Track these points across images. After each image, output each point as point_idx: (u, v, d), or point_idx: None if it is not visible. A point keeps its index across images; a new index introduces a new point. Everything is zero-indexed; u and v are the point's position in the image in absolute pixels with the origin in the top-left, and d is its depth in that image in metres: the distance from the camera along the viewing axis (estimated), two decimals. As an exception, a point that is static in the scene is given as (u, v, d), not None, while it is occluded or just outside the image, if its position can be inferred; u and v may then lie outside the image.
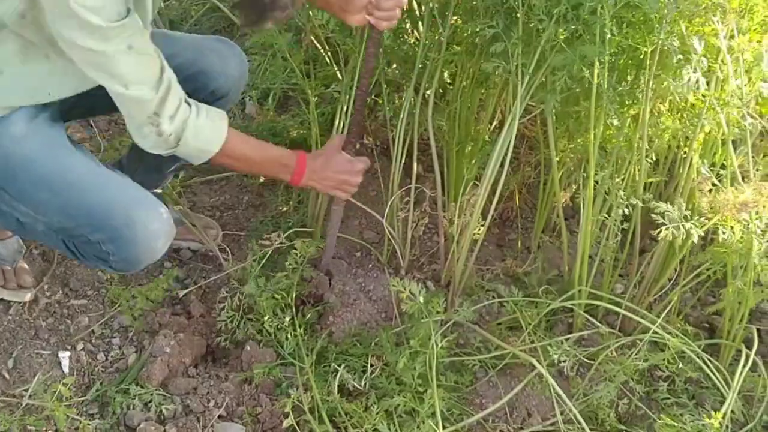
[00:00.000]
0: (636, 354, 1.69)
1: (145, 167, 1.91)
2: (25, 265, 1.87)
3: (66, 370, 1.73)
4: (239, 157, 1.66)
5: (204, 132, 1.54)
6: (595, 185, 1.76)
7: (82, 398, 1.69)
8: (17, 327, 1.76)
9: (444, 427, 1.56)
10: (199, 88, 1.73)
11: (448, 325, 1.81)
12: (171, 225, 1.57)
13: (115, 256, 1.51)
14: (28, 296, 1.83)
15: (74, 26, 1.26)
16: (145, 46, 1.38)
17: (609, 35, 1.54)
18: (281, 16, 1.39)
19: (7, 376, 1.67)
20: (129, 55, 1.33)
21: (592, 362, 1.74)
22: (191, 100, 1.54)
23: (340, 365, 1.74)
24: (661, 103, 1.80)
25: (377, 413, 1.60)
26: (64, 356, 1.75)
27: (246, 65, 1.91)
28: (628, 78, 1.78)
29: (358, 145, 1.84)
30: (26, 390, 1.64)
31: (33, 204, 1.50)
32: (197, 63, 1.76)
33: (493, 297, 2.01)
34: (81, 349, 1.79)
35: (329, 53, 2.20)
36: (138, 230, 1.48)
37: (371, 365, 1.78)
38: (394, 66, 2.22)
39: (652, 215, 1.62)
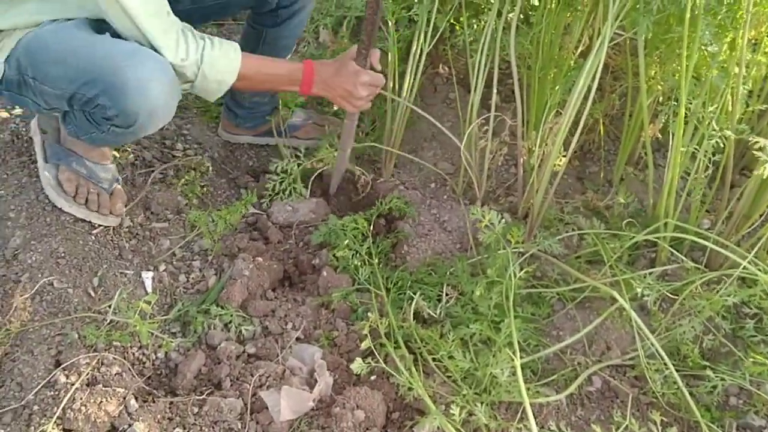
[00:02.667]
0: (725, 289, 1.63)
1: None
2: (122, 191, 1.91)
3: (149, 290, 1.77)
4: (253, 81, 1.73)
5: (220, 63, 1.62)
6: (686, 115, 1.68)
7: (165, 317, 1.73)
8: (102, 247, 1.81)
9: (520, 357, 1.54)
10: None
11: (525, 256, 1.78)
12: (165, 68, 1.53)
13: (112, 109, 1.52)
14: (116, 222, 1.87)
15: None
16: None
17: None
18: None
19: (92, 293, 1.72)
20: None
21: (675, 297, 1.68)
22: (204, 35, 1.61)
23: (415, 293, 1.74)
24: (760, 30, 1.69)
25: (453, 341, 1.59)
26: (147, 276, 1.79)
27: None
28: (726, 0, 1.67)
29: (370, 57, 1.78)
30: (110, 306, 1.69)
31: (51, 81, 1.57)
32: None
33: (573, 230, 1.96)
34: (163, 270, 1.83)
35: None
36: (126, 76, 1.48)
37: (446, 294, 1.77)
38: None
39: (749, 149, 1.53)
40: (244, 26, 2.14)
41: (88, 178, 1.85)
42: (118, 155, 2.04)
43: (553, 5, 1.91)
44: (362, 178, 2.12)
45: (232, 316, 1.71)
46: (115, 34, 1.54)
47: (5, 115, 2.11)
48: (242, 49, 1.67)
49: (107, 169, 1.89)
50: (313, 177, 2.11)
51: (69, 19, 1.60)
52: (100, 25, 1.57)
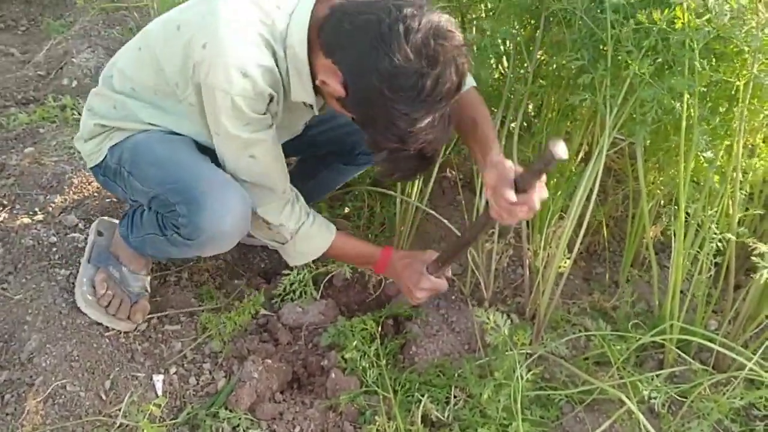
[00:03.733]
0: (731, 391, 1.63)
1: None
2: (146, 303, 1.96)
3: (159, 392, 1.79)
4: (334, 256, 1.95)
5: (313, 241, 1.83)
6: (686, 218, 1.72)
7: (174, 421, 1.74)
8: (115, 350, 1.84)
9: (530, 462, 1.54)
10: (345, 146, 2.05)
11: (533, 357, 1.79)
12: (245, 208, 1.64)
13: (185, 218, 1.61)
14: (129, 328, 1.92)
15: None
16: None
17: (699, 68, 1.52)
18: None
19: (104, 396, 1.74)
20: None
21: (684, 399, 1.69)
22: (310, 210, 1.82)
23: (423, 395, 1.75)
24: (755, 136, 1.75)
25: (461, 445, 1.59)
26: (158, 379, 1.81)
27: None
28: (720, 109, 1.74)
29: (445, 271, 1.86)
30: (120, 410, 1.71)
31: (144, 179, 1.70)
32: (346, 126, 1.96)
33: (580, 331, 1.97)
34: (174, 373, 1.85)
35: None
36: (210, 198, 1.59)
37: (455, 396, 1.78)
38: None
39: (751, 257, 1.57)
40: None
41: (119, 282, 1.92)
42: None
43: (553, 114, 1.99)
44: (372, 278, 2.16)
45: (240, 419, 1.71)
46: (216, 160, 1.69)
47: (27, 221, 2.18)
48: (297, 170, 1.78)
49: (140, 279, 1.96)
50: (324, 280, 2.15)
51: (178, 134, 1.74)
52: (206, 150, 1.71)
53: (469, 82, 1.72)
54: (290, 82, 1.57)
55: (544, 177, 1.42)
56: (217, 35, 1.47)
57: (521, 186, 1.42)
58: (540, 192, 1.44)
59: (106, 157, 1.79)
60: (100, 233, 2.02)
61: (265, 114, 1.56)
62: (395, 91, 1.37)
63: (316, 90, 1.57)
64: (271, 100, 1.55)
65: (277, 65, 1.53)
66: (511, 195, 1.42)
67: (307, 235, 1.80)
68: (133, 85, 1.72)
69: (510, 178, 1.44)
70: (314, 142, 2.06)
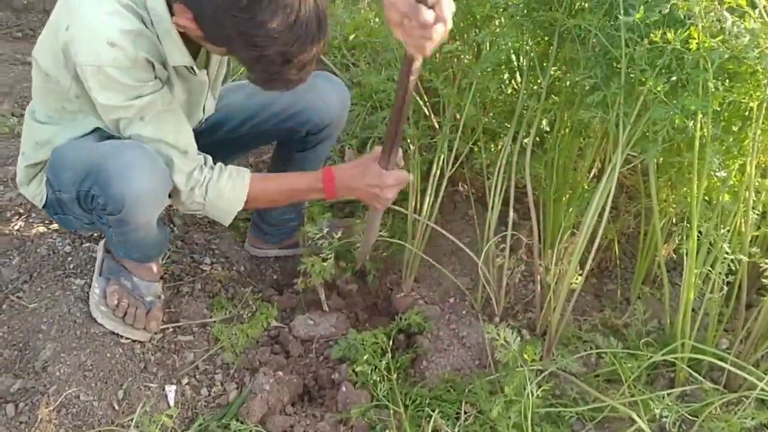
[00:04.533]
0: (742, 411, 1.62)
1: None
2: (160, 311, 1.98)
3: (171, 403, 1.80)
4: (268, 201, 1.91)
5: (227, 192, 1.79)
6: (698, 236, 1.72)
7: (185, 431, 1.75)
8: (128, 360, 1.85)
9: (540, 479, 1.54)
10: (300, 123, 2.02)
11: (544, 374, 1.79)
12: (149, 161, 1.64)
13: (102, 197, 1.63)
14: (145, 338, 1.94)
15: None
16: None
17: (713, 89, 1.52)
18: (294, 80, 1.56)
19: (116, 406, 1.76)
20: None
21: (695, 419, 1.68)
22: (215, 165, 1.79)
23: (433, 410, 1.75)
24: (768, 155, 1.76)
25: (471, 461, 1.60)
26: (170, 390, 1.83)
27: (347, 93, 2.10)
28: (734, 129, 1.74)
29: (395, 158, 1.81)
30: (132, 420, 1.72)
31: (65, 186, 1.72)
32: (297, 103, 1.99)
33: (591, 348, 1.97)
34: (186, 384, 1.87)
35: (428, 103, 2.26)
36: (109, 164, 1.61)
37: (465, 412, 1.78)
38: (491, 114, 2.24)
39: (762, 276, 1.57)
40: (273, 149, 2.26)
41: (131, 292, 1.95)
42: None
43: (566, 131, 2.00)
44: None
45: (251, 431, 1.72)
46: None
47: (43, 229, 2.21)
48: (270, 170, 1.79)
49: (152, 286, 1.99)
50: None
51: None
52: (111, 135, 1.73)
53: None
54: (165, 47, 1.59)
55: None
56: (77, 14, 1.49)
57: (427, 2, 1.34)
58: (447, 3, 1.35)
59: (46, 195, 1.82)
60: (107, 251, 2.03)
61: (154, 80, 1.58)
62: (228, 2, 1.40)
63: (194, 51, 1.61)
64: (153, 66, 1.57)
65: (148, 30, 1.54)
66: (428, 14, 1.32)
67: (219, 190, 1.78)
68: (46, 110, 1.76)
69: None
70: (254, 138, 2.11)
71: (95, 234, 2.20)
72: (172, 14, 1.52)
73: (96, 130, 1.74)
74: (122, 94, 1.56)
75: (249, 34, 1.43)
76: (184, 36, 1.58)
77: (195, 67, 1.68)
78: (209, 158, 1.80)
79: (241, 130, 2.07)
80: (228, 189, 1.79)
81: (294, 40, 1.45)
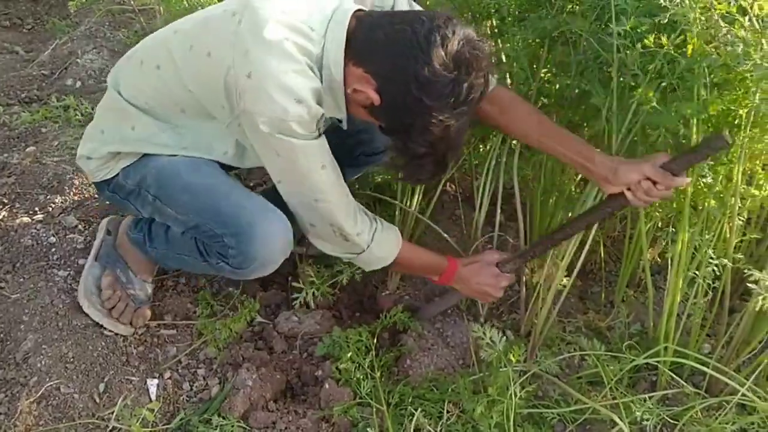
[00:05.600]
0: (723, 416, 1.64)
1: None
2: (148, 310, 1.97)
3: (153, 397, 1.79)
4: (404, 266, 1.92)
5: (386, 244, 1.82)
6: (683, 242, 1.73)
7: (167, 426, 1.74)
8: (110, 353, 1.84)
9: (520, 480, 1.54)
10: (359, 143, 2.03)
11: (527, 375, 1.80)
12: (289, 233, 1.68)
13: (235, 249, 1.65)
14: (128, 332, 1.92)
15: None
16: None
17: (705, 96, 1.53)
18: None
19: (97, 399, 1.74)
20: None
21: (676, 422, 1.69)
22: (375, 217, 1.81)
23: (416, 409, 1.75)
24: (754, 162, 1.76)
25: (453, 460, 1.60)
26: (152, 384, 1.81)
27: None
28: (722, 134, 1.75)
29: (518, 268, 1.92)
30: (113, 413, 1.71)
31: (176, 205, 1.72)
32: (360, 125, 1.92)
33: (574, 350, 1.98)
34: (168, 378, 1.85)
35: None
36: (258, 228, 1.63)
37: (447, 411, 1.78)
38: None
39: (747, 283, 1.58)
40: None
41: (125, 286, 1.93)
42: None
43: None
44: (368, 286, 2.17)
45: (233, 427, 1.71)
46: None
47: (27, 219, 2.19)
48: None
49: (145, 285, 1.98)
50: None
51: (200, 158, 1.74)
52: (229, 170, 1.74)
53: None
54: (325, 103, 1.58)
55: None
56: (263, 64, 1.45)
57: (675, 169, 1.55)
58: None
59: (117, 175, 1.78)
60: (109, 232, 2.03)
61: (316, 130, 1.56)
62: (433, 98, 1.42)
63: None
64: (321, 117, 1.56)
65: (314, 74, 1.53)
66: (671, 178, 1.54)
67: (381, 239, 1.80)
68: (153, 102, 1.70)
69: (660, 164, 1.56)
70: None
71: (80, 225, 2.18)
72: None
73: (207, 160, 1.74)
74: (298, 137, 1.53)
75: (433, 132, 1.46)
76: None
77: (344, 121, 1.66)
78: (359, 205, 1.80)
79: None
80: (388, 240, 1.83)
81: (458, 146, 1.52)
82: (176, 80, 1.63)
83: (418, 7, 1.75)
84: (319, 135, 1.57)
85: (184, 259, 1.83)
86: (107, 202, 2.05)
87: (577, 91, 1.77)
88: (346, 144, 2.03)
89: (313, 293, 2.02)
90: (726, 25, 1.45)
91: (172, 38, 1.66)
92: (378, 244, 1.78)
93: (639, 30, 1.53)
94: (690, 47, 1.50)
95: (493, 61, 1.47)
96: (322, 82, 1.53)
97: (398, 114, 1.49)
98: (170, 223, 1.79)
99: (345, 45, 1.50)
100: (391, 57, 1.44)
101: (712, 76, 1.54)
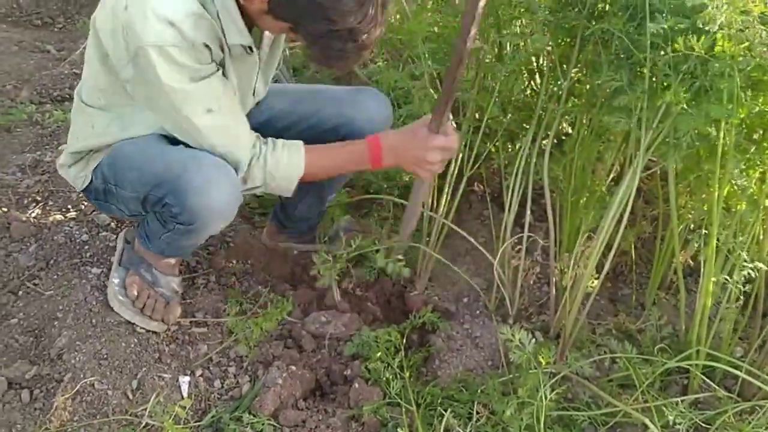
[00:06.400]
0: (756, 420, 1.62)
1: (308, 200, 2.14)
2: (178, 305, 1.99)
3: (185, 394, 1.81)
4: (319, 172, 1.84)
5: (282, 162, 1.76)
6: (716, 244, 1.72)
7: (198, 423, 1.76)
8: (143, 350, 1.86)
9: (551, 482, 1.54)
10: (340, 136, 1.94)
11: (557, 377, 1.79)
12: (226, 177, 1.66)
13: (177, 207, 1.65)
14: (161, 329, 1.95)
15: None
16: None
17: (739, 97, 1.51)
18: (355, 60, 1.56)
19: (130, 396, 1.76)
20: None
21: (708, 427, 1.67)
22: (268, 139, 1.77)
23: (445, 410, 1.75)
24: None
25: (483, 462, 1.59)
26: (184, 381, 1.83)
27: (389, 109, 2.05)
28: (755, 137, 1.73)
29: (446, 121, 1.75)
30: (146, 410, 1.73)
31: (128, 185, 1.74)
32: (339, 116, 1.95)
33: (605, 352, 1.97)
34: (199, 375, 1.87)
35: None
36: (189, 178, 1.62)
37: (477, 413, 1.78)
38: (510, 115, 2.24)
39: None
40: None
41: (151, 284, 1.96)
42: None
43: (586, 134, 1.99)
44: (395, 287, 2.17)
45: (263, 425, 1.73)
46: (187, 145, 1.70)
47: (60, 217, 2.22)
48: None
49: (171, 281, 2.00)
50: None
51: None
52: (175, 138, 1.73)
53: None
54: (224, 26, 1.57)
55: None
56: None
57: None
58: None
59: (91, 180, 1.82)
60: (127, 241, 2.05)
61: (210, 63, 1.57)
62: None
63: (249, 28, 1.59)
64: (210, 49, 1.55)
65: (206, 9, 1.53)
66: None
67: (276, 160, 1.76)
68: (101, 96, 1.75)
69: None
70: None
71: (112, 223, 2.21)
72: None
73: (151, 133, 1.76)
74: (185, 75, 1.54)
75: (323, 6, 1.42)
76: (240, 12, 1.57)
77: (253, 47, 1.66)
78: (259, 135, 1.78)
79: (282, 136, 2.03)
80: (285, 158, 1.76)
81: (363, 18, 1.45)
82: (97, 48, 1.66)
83: None
84: (216, 70, 1.59)
85: (165, 239, 1.84)
86: (101, 210, 2.07)
87: (609, 90, 1.76)
88: (321, 139, 1.96)
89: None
90: (762, 27, 1.44)
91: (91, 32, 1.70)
92: (274, 167, 1.75)
93: (675, 28, 1.51)
94: (718, 48, 1.48)
95: None
96: (213, 2, 1.53)
97: (288, 4, 1.47)
98: (133, 207, 1.81)
99: None
100: None
101: (743, 76, 1.52)
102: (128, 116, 1.75)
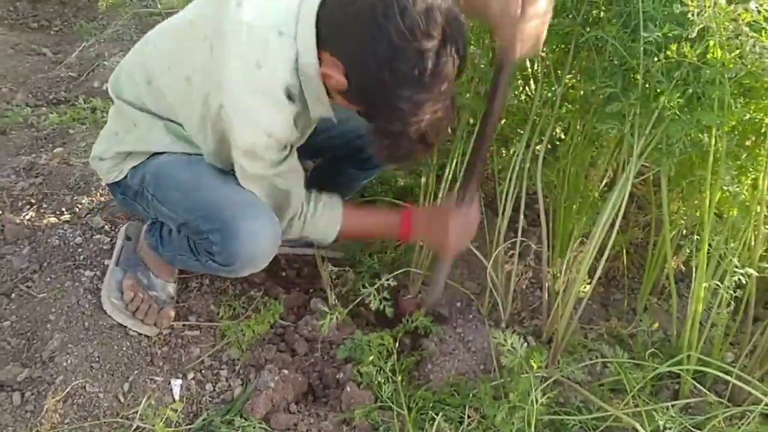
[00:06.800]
0: (746, 426, 1.62)
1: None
2: (172, 311, 1.99)
3: (176, 397, 1.81)
4: (351, 235, 1.93)
5: (320, 224, 1.85)
6: (708, 250, 1.72)
7: (189, 426, 1.76)
8: (135, 353, 1.86)
9: (541, 487, 1.54)
10: (357, 150, 2.00)
11: (548, 382, 1.79)
12: (275, 228, 1.68)
13: (219, 246, 1.64)
14: (153, 332, 1.95)
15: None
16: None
17: (729, 105, 1.52)
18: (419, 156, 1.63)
19: (122, 398, 1.76)
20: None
21: (698, 431, 1.68)
22: (311, 197, 1.84)
23: (437, 414, 1.76)
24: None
25: (473, 466, 1.60)
26: (176, 384, 1.83)
27: None
28: (747, 143, 1.74)
29: (472, 198, 1.85)
30: (137, 413, 1.73)
31: (168, 202, 1.74)
32: (361, 129, 1.92)
33: (596, 357, 1.97)
34: (191, 378, 1.87)
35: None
36: (242, 225, 1.62)
37: (468, 416, 1.78)
38: (504, 120, 2.24)
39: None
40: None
41: (146, 288, 1.96)
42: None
43: (579, 139, 2.00)
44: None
45: (255, 428, 1.73)
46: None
47: (54, 220, 2.22)
48: (317, 178, 1.85)
49: (167, 286, 2.01)
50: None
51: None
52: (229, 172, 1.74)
53: None
54: (308, 103, 1.58)
55: None
56: (235, 97, 1.49)
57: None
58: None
59: (126, 176, 1.82)
60: (128, 238, 2.06)
61: (285, 148, 1.61)
62: (395, 74, 1.36)
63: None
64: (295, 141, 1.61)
65: (291, 96, 1.53)
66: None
67: (315, 224, 1.83)
68: (149, 102, 1.75)
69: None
70: (321, 148, 2.06)
71: (106, 226, 2.21)
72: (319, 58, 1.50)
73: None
74: (267, 165, 1.62)
75: (403, 111, 1.41)
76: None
77: (333, 117, 1.67)
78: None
79: (314, 140, 2.00)
80: (322, 223, 1.85)
81: (438, 126, 1.46)
82: (159, 94, 1.70)
83: None
84: (289, 154, 1.64)
85: (184, 259, 1.84)
86: (121, 206, 2.08)
87: (602, 96, 1.77)
88: (351, 148, 2.04)
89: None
90: (754, 34, 1.45)
91: (150, 53, 1.74)
92: (312, 229, 1.83)
93: (668, 35, 1.52)
94: (710, 55, 1.49)
95: (465, 29, 1.40)
96: (300, 86, 1.54)
97: (366, 95, 1.46)
98: (165, 221, 1.82)
99: (316, 31, 1.48)
100: (351, 37, 1.40)
101: (735, 83, 1.53)
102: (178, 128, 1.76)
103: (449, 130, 1.56)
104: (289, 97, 1.52)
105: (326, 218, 1.86)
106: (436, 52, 1.35)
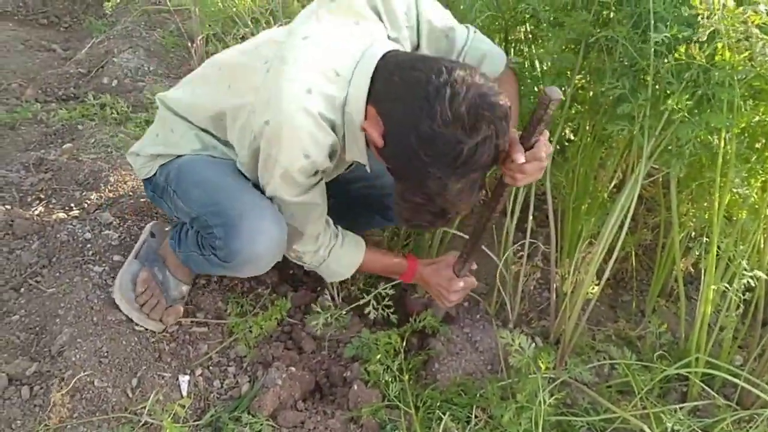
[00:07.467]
0: (755, 429, 1.62)
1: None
2: (181, 309, 2.00)
3: (184, 393, 1.82)
4: (363, 270, 1.95)
5: (343, 260, 1.87)
6: (717, 252, 1.72)
7: (197, 422, 1.76)
8: (143, 349, 1.87)
9: (548, 487, 1.54)
10: (380, 204, 2.05)
11: (556, 383, 1.79)
12: (280, 232, 1.67)
13: (221, 241, 1.66)
14: (158, 328, 1.95)
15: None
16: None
17: (739, 107, 1.52)
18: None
19: (130, 394, 1.77)
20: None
21: (706, 435, 1.68)
22: (338, 231, 1.86)
23: (444, 413, 1.76)
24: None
25: (480, 465, 1.60)
26: (183, 380, 1.84)
27: None
28: (757, 146, 1.74)
29: (469, 267, 1.93)
30: (145, 408, 1.73)
31: (187, 199, 1.78)
32: (385, 188, 1.95)
33: (604, 358, 1.97)
34: (199, 375, 1.88)
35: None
36: (246, 223, 1.63)
37: (475, 416, 1.78)
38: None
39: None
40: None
41: (160, 283, 1.97)
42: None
43: (589, 140, 2.00)
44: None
45: (262, 425, 1.73)
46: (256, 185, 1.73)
47: (63, 215, 2.22)
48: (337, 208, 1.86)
49: (181, 286, 2.02)
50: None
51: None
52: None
53: (501, 56, 1.75)
54: (345, 145, 1.60)
55: (546, 132, 1.46)
56: (280, 116, 1.49)
57: (526, 143, 1.45)
58: (545, 145, 1.47)
59: (156, 173, 1.87)
60: (153, 235, 2.07)
61: (315, 175, 1.61)
62: (431, 154, 1.37)
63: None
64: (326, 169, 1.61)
65: (335, 132, 1.55)
66: (521, 156, 1.43)
67: (339, 257, 1.85)
68: (191, 112, 1.82)
69: (516, 138, 1.45)
70: (352, 194, 2.06)
71: (115, 221, 2.22)
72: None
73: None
74: (294, 191, 1.63)
75: (429, 187, 1.42)
76: None
77: (367, 165, 1.67)
78: (330, 221, 1.84)
79: (352, 186, 2.05)
80: (346, 257, 1.87)
81: (460, 204, 1.47)
82: (212, 106, 1.75)
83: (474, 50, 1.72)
84: (316, 184, 1.65)
85: (194, 257, 1.85)
86: (152, 203, 2.12)
87: (612, 97, 1.76)
88: (382, 202, 2.07)
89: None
90: (763, 36, 1.44)
91: (214, 75, 1.79)
92: (334, 260, 1.85)
93: (678, 37, 1.52)
94: (718, 57, 1.49)
95: (506, 125, 1.39)
96: (343, 126, 1.55)
97: (398, 161, 1.47)
98: (181, 217, 1.85)
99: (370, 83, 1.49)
100: (400, 103, 1.41)
101: (744, 85, 1.52)
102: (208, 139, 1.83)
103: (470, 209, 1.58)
104: (333, 128, 1.54)
105: (350, 257, 1.88)
106: (475, 145, 1.36)
